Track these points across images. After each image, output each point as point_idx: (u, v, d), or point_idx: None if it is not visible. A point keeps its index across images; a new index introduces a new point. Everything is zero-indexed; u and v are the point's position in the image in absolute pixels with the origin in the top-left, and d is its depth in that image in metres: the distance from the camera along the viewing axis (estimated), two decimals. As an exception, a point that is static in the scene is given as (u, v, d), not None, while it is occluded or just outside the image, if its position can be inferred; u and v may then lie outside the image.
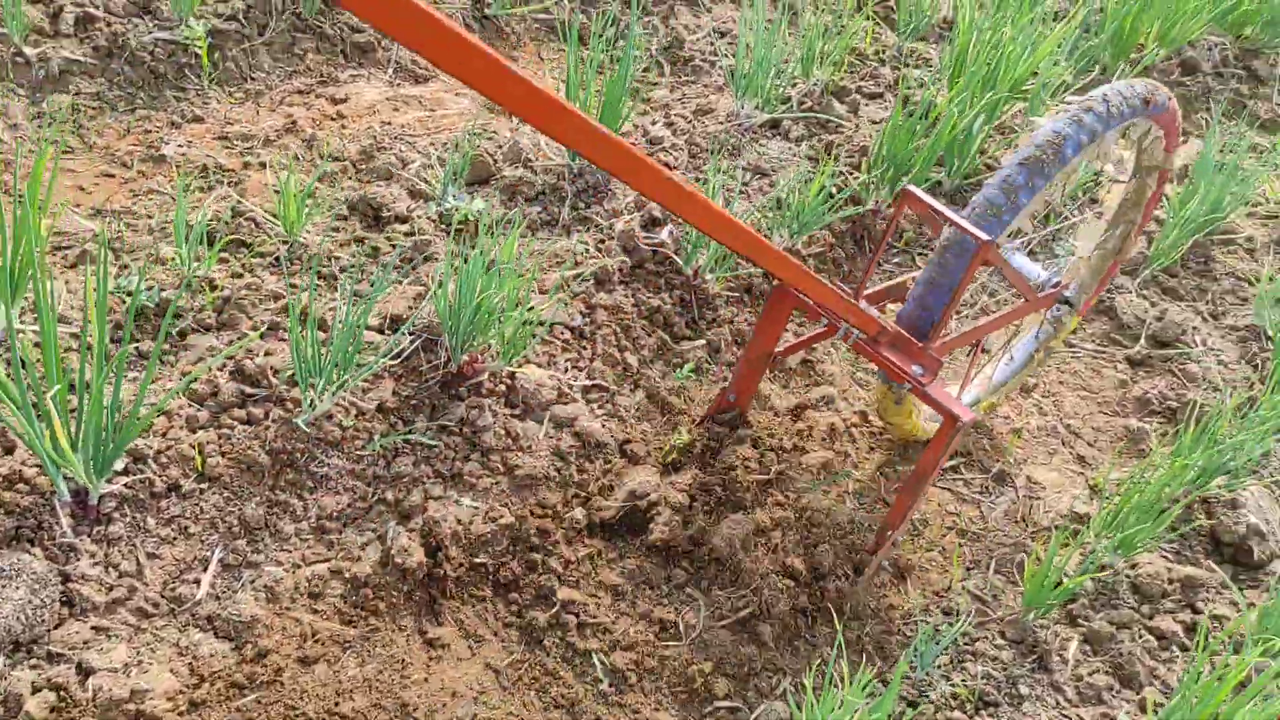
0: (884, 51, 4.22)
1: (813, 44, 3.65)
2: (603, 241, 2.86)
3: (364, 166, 2.98)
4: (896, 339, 2.25)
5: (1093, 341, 3.31)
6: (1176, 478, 2.72)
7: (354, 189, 2.88)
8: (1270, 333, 3.34)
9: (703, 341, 2.83)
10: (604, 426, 2.49)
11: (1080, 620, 2.45)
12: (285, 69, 3.25)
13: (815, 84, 3.68)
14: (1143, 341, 3.30)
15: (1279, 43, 5.29)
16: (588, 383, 2.57)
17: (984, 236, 2.10)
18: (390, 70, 3.40)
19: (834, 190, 3.23)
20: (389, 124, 3.17)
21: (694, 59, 3.93)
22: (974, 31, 3.65)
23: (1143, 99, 2.38)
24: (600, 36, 3.67)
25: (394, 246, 2.66)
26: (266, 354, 2.27)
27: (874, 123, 3.65)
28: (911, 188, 2.18)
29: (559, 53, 3.85)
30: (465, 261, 2.43)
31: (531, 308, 2.61)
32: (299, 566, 2.06)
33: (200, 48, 3.07)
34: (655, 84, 3.86)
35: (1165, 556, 2.64)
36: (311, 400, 2.18)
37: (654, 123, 3.48)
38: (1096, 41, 4.44)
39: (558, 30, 3.90)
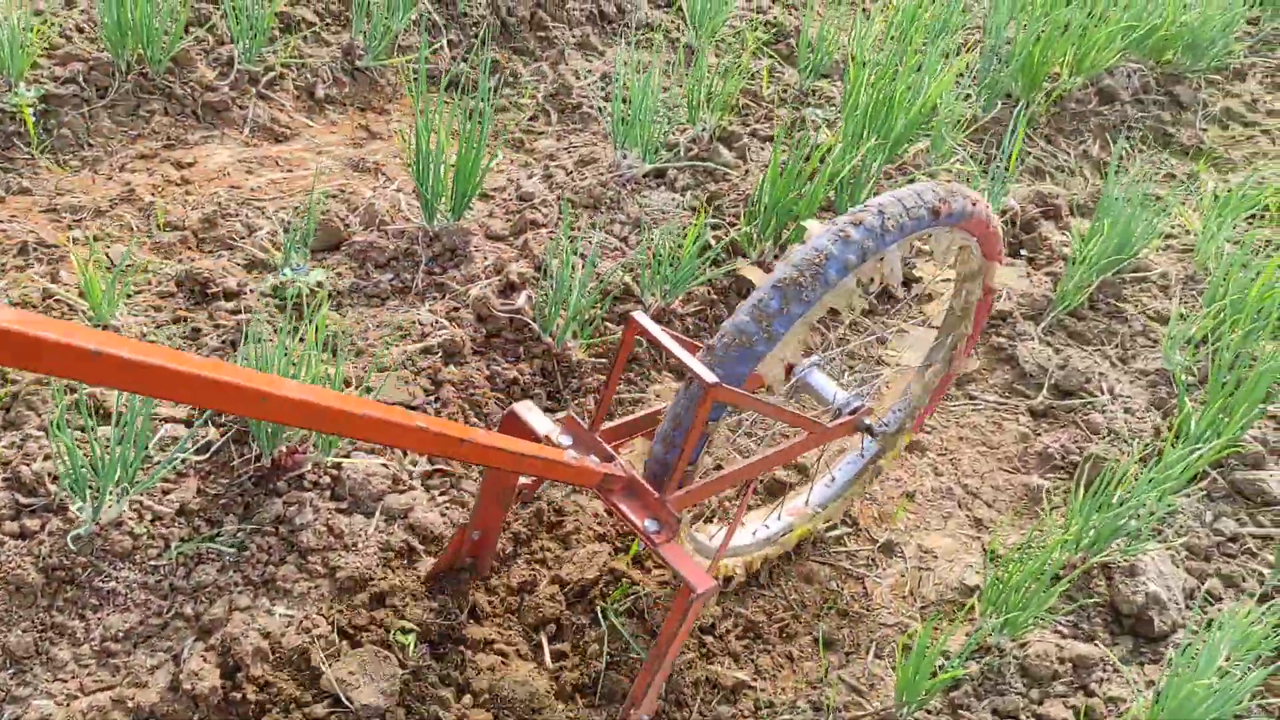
0: (786, 91, 4.07)
1: (696, 87, 3.49)
2: (456, 310, 2.67)
3: (205, 235, 2.79)
4: (630, 485, 1.88)
5: (994, 393, 3.14)
6: (1070, 543, 2.54)
7: (192, 260, 2.69)
8: (1182, 379, 3.18)
9: (565, 414, 2.63)
10: (444, 516, 2.29)
11: (962, 710, 2.25)
12: (128, 133, 3.06)
13: (704, 129, 3.52)
14: (1045, 391, 3.13)
15: (1202, 67, 5.18)
16: (429, 468, 2.37)
17: (709, 378, 1.74)
18: (247, 130, 3.21)
19: (711, 242, 3.06)
20: (238, 188, 2.98)
21: (582, 106, 3.76)
22: (864, 69, 3.50)
23: (931, 209, 1.98)
24: (453, 85, 3.51)
25: (217, 326, 2.46)
26: (47, 457, 2.07)
27: (766, 168, 3.48)
28: (638, 315, 1.84)
29: (444, 104, 3.67)
30: (298, 340, 2.24)
31: (369, 388, 2.42)
32: (75, 698, 1.85)
33: (27, 115, 2.88)
34: (541, 133, 3.69)
35: (1060, 631, 2.45)
36: (91, 508, 1.97)
37: (530, 175, 3.31)
38: (1006, 72, 4.30)
39: (438, 81, 3.73)
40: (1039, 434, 3.02)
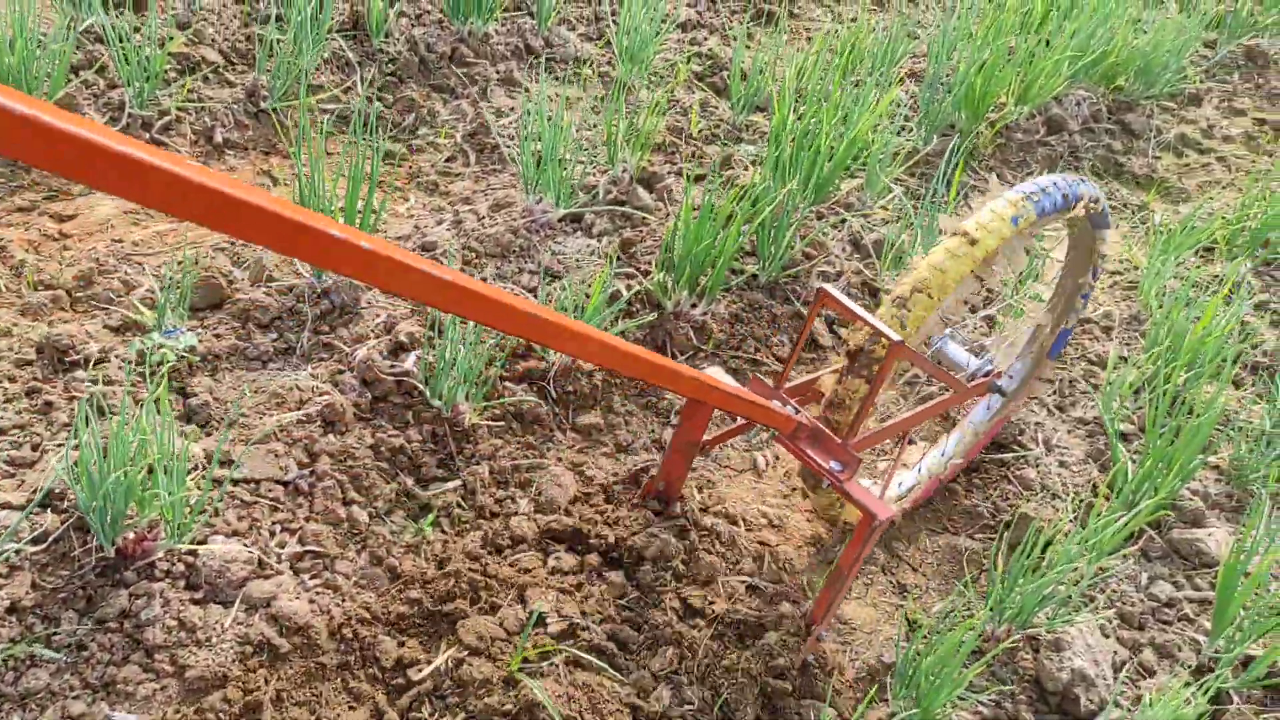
0: (719, 127, 3.93)
1: (615, 126, 3.34)
2: (340, 373, 2.51)
3: (80, 295, 2.63)
4: (815, 433, 2.21)
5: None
6: (995, 613, 2.39)
7: (64, 323, 2.53)
8: (1119, 427, 3.04)
9: (457, 483, 2.48)
10: (313, 604, 2.13)
11: (870, 807, 2.10)
12: (7, 185, 2.90)
13: (624, 170, 3.37)
14: (978, 444, 2.98)
15: (1155, 93, 5.06)
16: (299, 549, 2.21)
17: (895, 337, 2.06)
18: (137, 179, 3.05)
19: (622, 291, 2.91)
20: (120, 242, 2.82)
21: (501, 146, 3.61)
22: (789, 102, 3.36)
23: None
24: (365, 126, 3.36)
25: (72, 399, 2.30)
26: None
27: (694, 209, 3.34)
28: (827, 286, 2.13)
29: (352, 145, 3.52)
30: (156, 412, 2.08)
31: (234, 462, 2.25)
32: (-126, 827, 1.68)
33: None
34: (458, 175, 3.53)
35: (980, 712, 2.30)
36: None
37: (440, 222, 3.16)
38: (949, 101, 4.17)
39: (349, 121, 3.57)
40: (970, 491, 2.87)
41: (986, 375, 2.59)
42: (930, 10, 5.41)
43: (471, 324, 2.57)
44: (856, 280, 3.36)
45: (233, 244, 2.87)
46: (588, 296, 2.84)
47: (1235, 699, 2.37)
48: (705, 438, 2.42)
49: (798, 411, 2.21)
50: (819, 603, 2.26)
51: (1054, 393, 3.19)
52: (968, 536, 2.74)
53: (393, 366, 2.52)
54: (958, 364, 2.58)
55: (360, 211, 2.69)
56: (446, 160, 3.59)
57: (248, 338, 2.59)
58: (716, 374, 2.24)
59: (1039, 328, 2.89)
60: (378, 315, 2.67)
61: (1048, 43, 4.69)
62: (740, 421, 2.50)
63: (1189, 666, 2.45)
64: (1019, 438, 2.98)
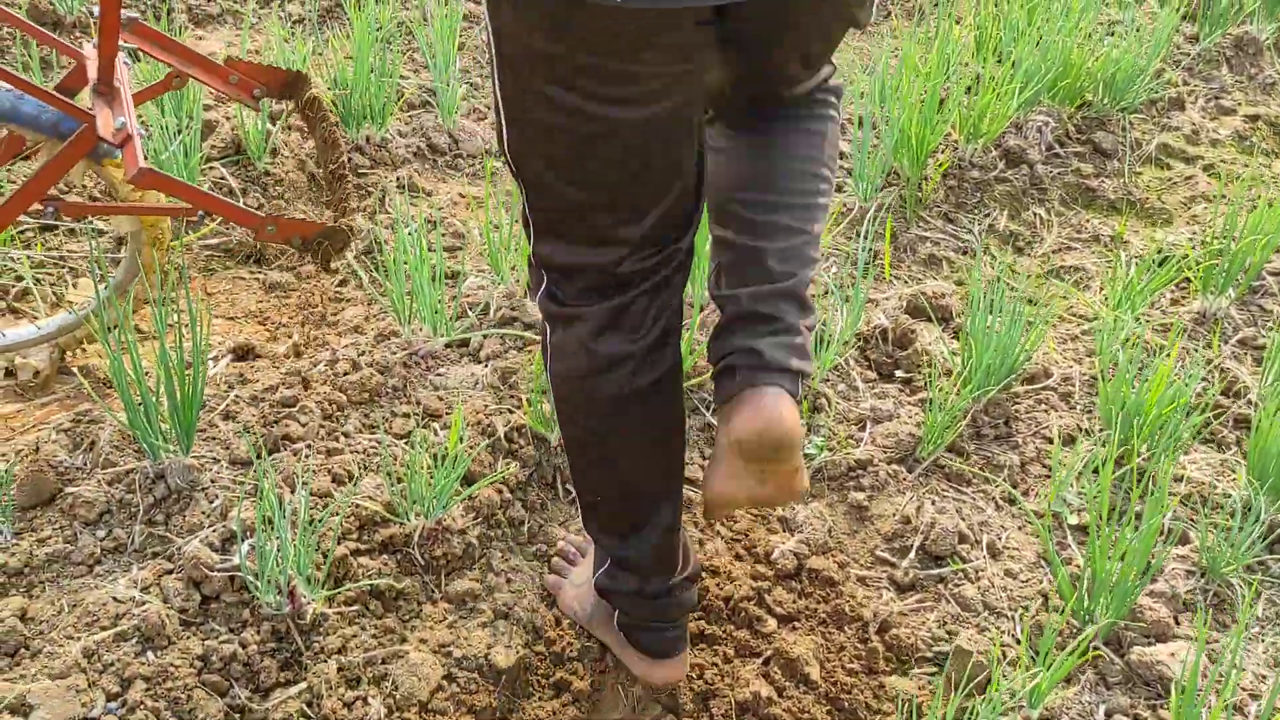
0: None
1: (491, 233, 3.09)
2: (168, 573, 2.28)
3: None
4: None
5: (857, 565, 2.67)
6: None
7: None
8: (1074, 521, 2.70)
9: (302, 685, 2.22)
10: None
11: None
12: None
13: (517, 282, 3.12)
14: (912, 557, 2.65)
15: (1128, 103, 4.68)
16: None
17: None
18: None
19: (498, 426, 2.64)
20: (-44, 436, 2.63)
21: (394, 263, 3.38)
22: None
23: None
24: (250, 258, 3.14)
25: None
26: None
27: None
28: None
29: (237, 280, 3.30)
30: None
31: (30, 707, 2.02)
32: None
33: None
34: (350, 300, 3.31)
35: None
36: None
37: (315, 364, 2.92)
38: (882, 147, 3.85)
39: (235, 255, 3.36)
40: (904, 616, 2.55)
41: None
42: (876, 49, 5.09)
43: (302, 500, 2.32)
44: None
45: (76, 423, 2.66)
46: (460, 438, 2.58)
47: None
48: None
49: None
50: None
51: (1005, 481, 2.85)
52: (900, 675, 2.42)
53: (224, 561, 2.28)
54: None
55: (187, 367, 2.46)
56: (338, 285, 3.37)
57: (74, 539, 2.36)
58: None
59: None
60: (214, 499, 2.43)
61: (1000, 61, 4.36)
62: None
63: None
64: (959, 546, 2.65)
